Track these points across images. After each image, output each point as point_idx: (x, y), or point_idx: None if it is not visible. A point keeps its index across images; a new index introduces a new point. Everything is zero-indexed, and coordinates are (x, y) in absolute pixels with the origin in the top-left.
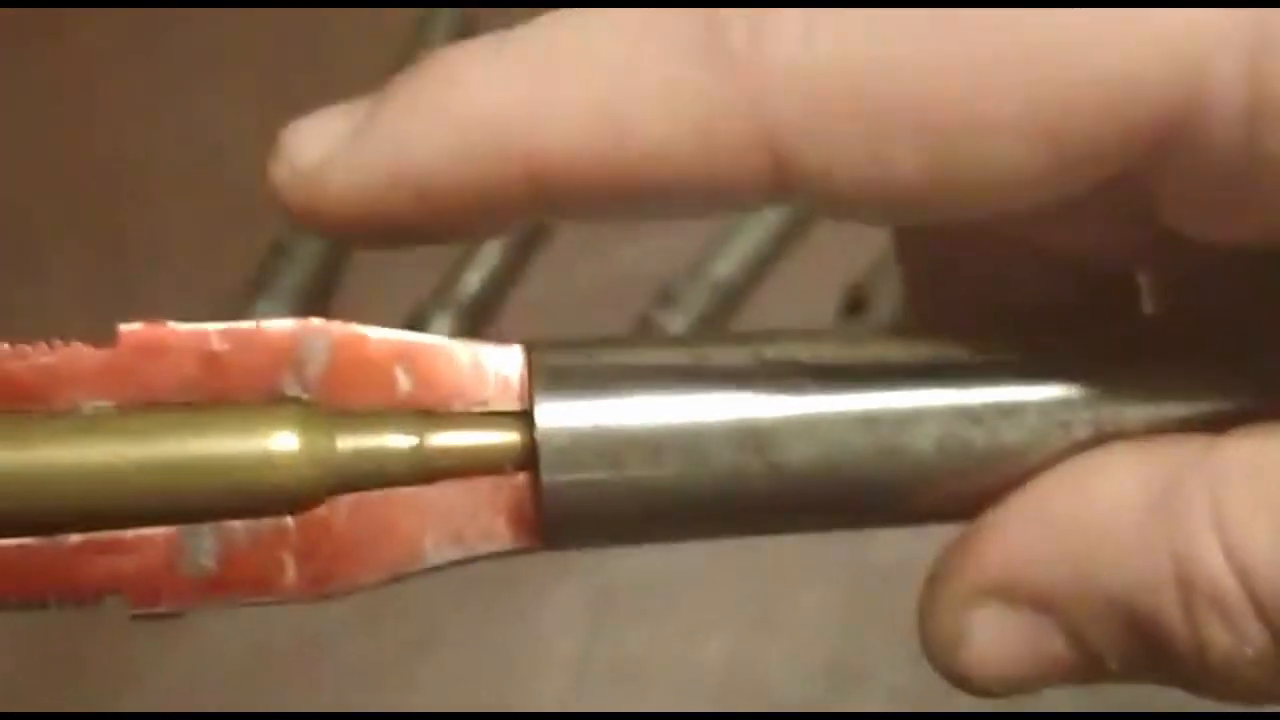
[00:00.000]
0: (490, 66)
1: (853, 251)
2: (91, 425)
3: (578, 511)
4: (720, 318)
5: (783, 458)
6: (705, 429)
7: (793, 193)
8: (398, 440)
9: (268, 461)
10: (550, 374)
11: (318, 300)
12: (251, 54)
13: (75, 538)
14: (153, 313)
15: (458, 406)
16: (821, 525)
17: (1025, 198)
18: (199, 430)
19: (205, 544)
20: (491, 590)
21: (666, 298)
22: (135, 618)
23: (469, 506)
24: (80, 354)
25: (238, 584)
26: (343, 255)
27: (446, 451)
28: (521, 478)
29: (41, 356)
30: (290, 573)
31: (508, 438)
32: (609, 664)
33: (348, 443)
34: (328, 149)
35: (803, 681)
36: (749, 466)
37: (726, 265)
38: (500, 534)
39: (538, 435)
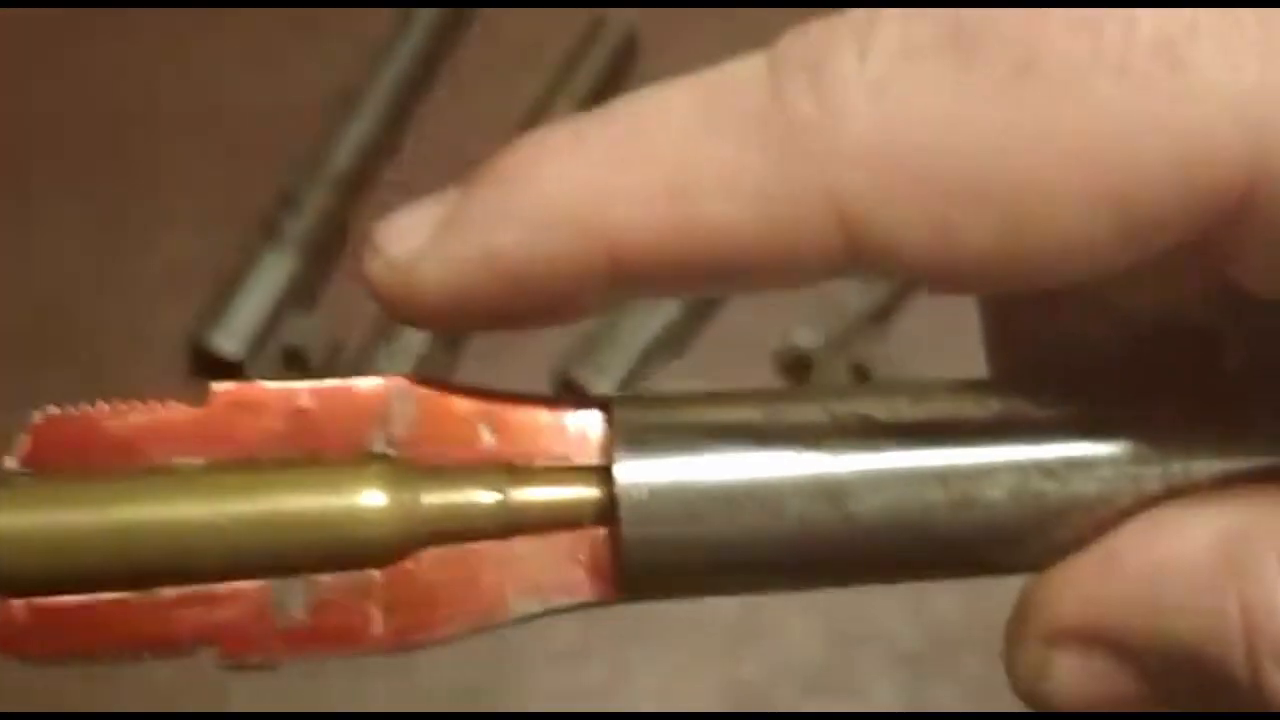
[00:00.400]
0: (568, 153)
1: None
2: (186, 481)
3: (656, 565)
4: None
5: (857, 511)
6: (780, 483)
7: (864, 265)
8: (482, 495)
9: (356, 517)
10: (629, 430)
11: (325, 251)
12: (252, 14)
13: (170, 591)
14: (155, 268)
15: (539, 462)
16: (896, 576)
17: (1095, 265)
18: (290, 486)
19: (296, 597)
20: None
21: None
22: (228, 669)
23: (550, 560)
24: (174, 412)
25: (326, 636)
26: (350, 206)
27: (529, 506)
28: (601, 532)
29: (137, 415)
30: (377, 625)
31: (588, 493)
32: (619, 617)
33: (433, 498)
34: (418, 243)
35: (813, 638)
36: (824, 520)
37: None
38: (580, 586)
39: (617, 491)
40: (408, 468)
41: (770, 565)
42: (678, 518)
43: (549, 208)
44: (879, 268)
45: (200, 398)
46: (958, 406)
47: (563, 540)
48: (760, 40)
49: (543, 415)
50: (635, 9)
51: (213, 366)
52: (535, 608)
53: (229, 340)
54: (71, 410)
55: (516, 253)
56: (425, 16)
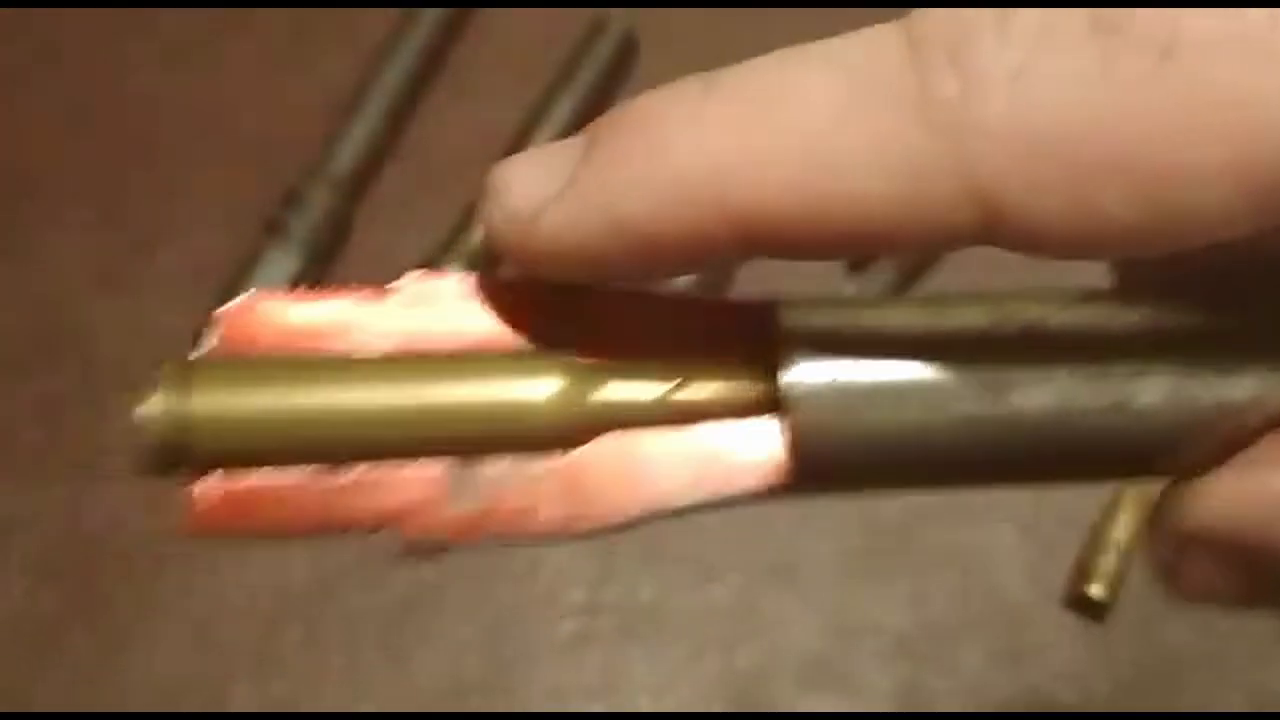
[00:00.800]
0: (699, 115)
1: None
2: (370, 367)
3: (823, 456)
4: None
5: (1017, 410)
6: (945, 379)
7: (997, 239)
8: (653, 388)
9: (530, 407)
10: (797, 328)
11: (329, 250)
12: (254, 15)
13: (356, 471)
14: (159, 263)
15: (711, 357)
16: (1052, 477)
17: (1232, 231)
18: (471, 374)
19: (473, 482)
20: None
21: None
22: (406, 551)
23: (718, 452)
24: (361, 301)
25: (500, 521)
26: (354, 205)
27: (699, 400)
28: (770, 425)
29: (324, 303)
30: (548, 511)
31: (757, 387)
32: (617, 611)
33: (604, 391)
34: (541, 196)
35: (811, 632)
36: (986, 415)
37: None
38: (747, 478)
39: (786, 384)
40: (580, 361)
41: (933, 461)
42: (845, 410)
43: (682, 177)
44: (1011, 241)
45: (385, 288)
46: (1110, 314)
47: (731, 433)
48: (760, 41)
49: (715, 312)
50: (635, 9)
51: None
52: (701, 497)
53: None
54: (262, 296)
55: (646, 221)
56: (425, 17)
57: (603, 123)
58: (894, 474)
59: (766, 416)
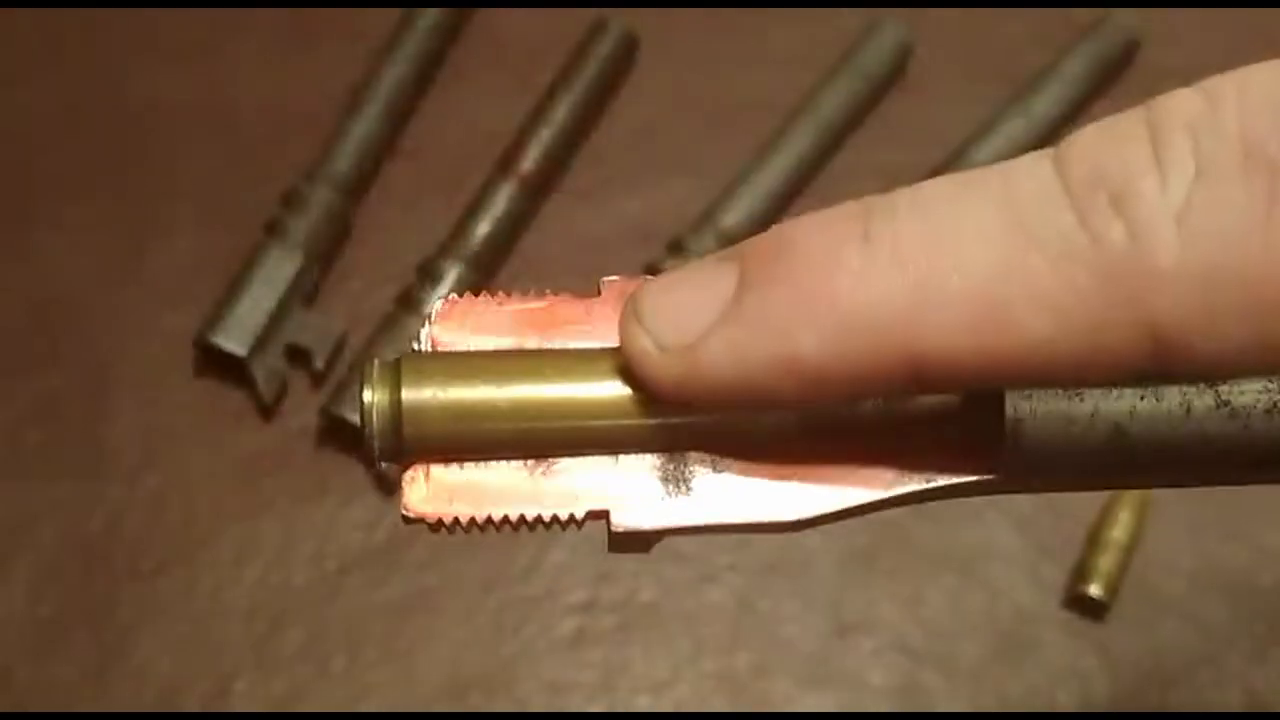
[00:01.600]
0: (862, 256)
1: None
2: (583, 360)
3: (1037, 443)
4: None
5: (1233, 400)
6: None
7: (1171, 372)
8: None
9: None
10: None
11: (329, 250)
12: (254, 15)
13: (565, 462)
14: (159, 263)
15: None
16: (1265, 476)
17: None
18: None
19: (685, 472)
20: (503, 537)
21: (676, 247)
22: (616, 538)
23: (932, 443)
24: (567, 301)
25: (712, 513)
26: (354, 205)
27: (920, 403)
28: (984, 413)
29: (533, 300)
30: (767, 500)
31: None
32: (617, 609)
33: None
34: (697, 329)
35: (810, 630)
36: (1201, 406)
37: (734, 216)
38: (958, 466)
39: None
40: None
41: (1147, 450)
42: (1061, 394)
43: (853, 318)
44: (1185, 372)
45: (591, 289)
46: None
47: (946, 426)
48: (759, 43)
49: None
50: (635, 9)
51: (217, 363)
52: (914, 486)
53: (233, 338)
54: (471, 296)
55: (817, 360)
56: (425, 16)
57: (755, 252)
58: (1106, 466)
59: (981, 410)
